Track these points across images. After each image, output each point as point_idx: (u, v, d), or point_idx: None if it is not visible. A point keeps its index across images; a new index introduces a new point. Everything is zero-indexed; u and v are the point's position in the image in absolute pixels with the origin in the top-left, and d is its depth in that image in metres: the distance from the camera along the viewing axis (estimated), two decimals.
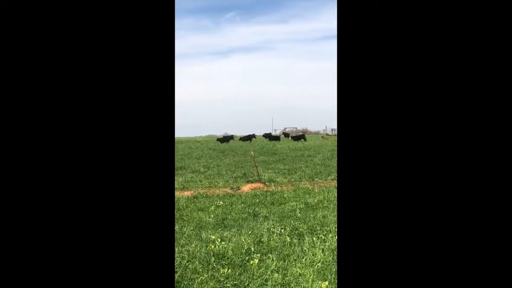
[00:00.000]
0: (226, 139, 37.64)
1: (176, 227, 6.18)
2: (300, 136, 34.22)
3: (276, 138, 36.47)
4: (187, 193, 9.65)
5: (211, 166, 15.55)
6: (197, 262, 4.44)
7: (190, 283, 3.90)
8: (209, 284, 3.84)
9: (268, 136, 37.93)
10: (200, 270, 4.22)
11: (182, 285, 3.87)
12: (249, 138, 36.69)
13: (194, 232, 5.84)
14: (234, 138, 38.63)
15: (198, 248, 4.95)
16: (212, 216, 6.97)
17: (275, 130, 64.09)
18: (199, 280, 3.94)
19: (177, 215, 7.16)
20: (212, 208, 7.69)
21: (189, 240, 5.39)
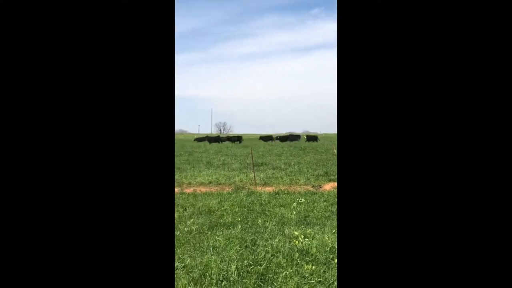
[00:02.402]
0: (266, 139, 38.47)
1: (259, 222, 6.34)
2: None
3: None
4: (268, 189, 9.83)
5: (292, 164, 15.62)
6: (281, 257, 4.52)
7: (275, 277, 3.98)
8: (293, 279, 3.89)
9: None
10: (284, 264, 4.28)
11: (267, 277, 3.97)
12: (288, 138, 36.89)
13: (276, 227, 5.94)
14: (273, 137, 39.64)
15: (282, 243, 5.03)
16: (294, 212, 7.01)
17: None
18: (283, 274, 4.01)
19: (259, 209, 7.34)
20: (294, 204, 7.74)
21: (272, 235, 5.50)
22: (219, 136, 40.32)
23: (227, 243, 5.19)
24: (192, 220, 6.61)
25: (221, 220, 6.54)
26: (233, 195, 9.04)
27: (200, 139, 42.58)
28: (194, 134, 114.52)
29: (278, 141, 38.21)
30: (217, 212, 7.25)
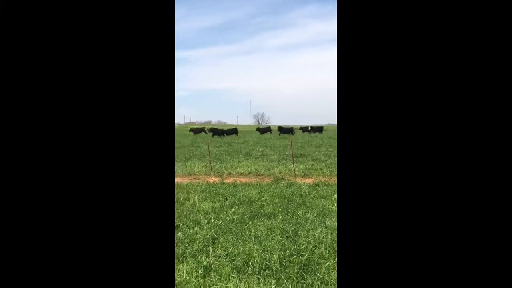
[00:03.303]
0: (262, 130, 37.96)
1: (300, 213, 6.35)
2: None
3: None
4: (308, 180, 9.80)
5: (332, 155, 15.45)
6: (323, 248, 4.52)
7: (317, 267, 3.99)
8: (336, 270, 3.87)
9: None
10: (327, 255, 4.28)
11: (310, 268, 3.99)
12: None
13: (317, 219, 5.93)
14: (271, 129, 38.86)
15: (324, 235, 5.02)
16: (335, 204, 6.96)
17: None
18: (326, 265, 4.01)
19: (299, 201, 7.34)
20: (335, 196, 7.68)
21: (313, 226, 5.50)
22: (203, 128, 38.98)
23: (269, 233, 5.24)
24: (233, 209, 6.72)
25: (262, 211, 6.60)
26: (272, 186, 9.09)
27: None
28: (232, 125, 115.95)
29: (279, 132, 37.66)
30: (257, 202, 7.32)
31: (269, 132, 37.95)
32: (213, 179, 10.44)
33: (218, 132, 34.83)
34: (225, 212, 6.53)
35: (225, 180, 10.10)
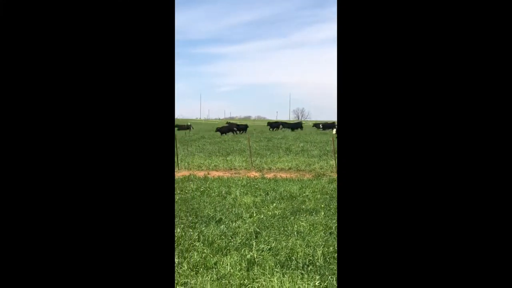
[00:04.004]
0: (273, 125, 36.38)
1: None
2: None
3: None
4: None
5: None
6: None
7: None
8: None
9: None
10: None
11: None
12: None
13: None
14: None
15: None
16: None
17: None
18: None
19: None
20: None
21: None
22: (233, 124, 36.33)
23: (311, 228, 5.20)
24: (274, 204, 6.73)
25: (303, 206, 6.56)
26: (314, 181, 9.02)
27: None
28: (270, 120, 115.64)
29: (286, 129, 36.37)
30: (298, 198, 7.29)
31: (277, 128, 37.17)
32: (254, 173, 10.50)
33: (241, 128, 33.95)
34: (266, 207, 6.55)
35: (266, 175, 10.13)
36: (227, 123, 36.19)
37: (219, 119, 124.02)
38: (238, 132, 31.81)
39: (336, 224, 5.30)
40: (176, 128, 32.36)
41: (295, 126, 36.23)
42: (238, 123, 42.99)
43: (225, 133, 30.10)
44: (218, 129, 31.21)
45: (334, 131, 25.02)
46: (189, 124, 40.69)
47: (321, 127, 38.59)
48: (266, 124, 44.37)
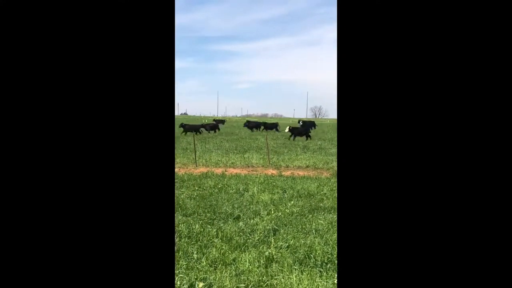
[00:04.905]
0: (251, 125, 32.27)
1: None
2: None
3: None
4: None
5: None
6: None
7: None
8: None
9: None
10: None
11: None
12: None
13: None
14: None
15: None
16: None
17: None
18: None
19: None
20: None
21: None
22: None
23: (330, 227, 5.19)
24: (292, 202, 6.73)
25: (321, 204, 6.55)
26: (332, 180, 8.98)
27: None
28: (289, 118, 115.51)
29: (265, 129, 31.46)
30: (316, 196, 7.28)
31: (255, 129, 32.27)
32: (271, 171, 10.51)
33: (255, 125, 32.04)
34: (284, 205, 6.56)
35: (283, 173, 10.13)
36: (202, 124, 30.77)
37: (236, 116, 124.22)
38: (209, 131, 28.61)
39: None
40: (202, 129, 27.98)
41: (271, 126, 31.55)
42: (256, 120, 40.86)
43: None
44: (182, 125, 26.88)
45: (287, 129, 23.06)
46: (216, 120, 36.81)
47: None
48: (285, 122, 42.50)
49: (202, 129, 27.73)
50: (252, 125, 32.63)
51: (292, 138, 21.62)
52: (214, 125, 29.60)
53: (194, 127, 26.98)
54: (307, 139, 21.30)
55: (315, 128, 34.58)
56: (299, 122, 37.93)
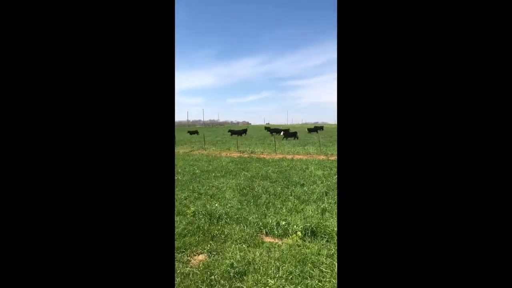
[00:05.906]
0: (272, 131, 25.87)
1: None
2: None
3: None
4: None
5: None
6: None
7: None
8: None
9: None
10: None
11: None
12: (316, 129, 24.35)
13: None
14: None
15: None
16: None
17: None
18: None
19: None
20: None
21: None
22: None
23: None
24: (336, 176, 6.62)
25: None
26: None
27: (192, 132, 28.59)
28: (331, 124, 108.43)
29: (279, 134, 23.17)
30: None
31: (277, 133, 24.83)
32: (322, 157, 10.35)
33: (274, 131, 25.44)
34: (331, 178, 6.50)
35: (330, 158, 9.93)
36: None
37: (300, 123, 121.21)
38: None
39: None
40: (281, 132, 21.99)
41: (291, 134, 21.49)
42: (310, 127, 30.68)
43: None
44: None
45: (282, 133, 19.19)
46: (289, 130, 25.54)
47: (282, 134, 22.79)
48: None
49: (282, 132, 23.51)
50: (272, 130, 26.48)
51: (285, 138, 19.52)
52: (294, 133, 21.37)
53: (276, 130, 26.43)
54: (294, 139, 19.22)
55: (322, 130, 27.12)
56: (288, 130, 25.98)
